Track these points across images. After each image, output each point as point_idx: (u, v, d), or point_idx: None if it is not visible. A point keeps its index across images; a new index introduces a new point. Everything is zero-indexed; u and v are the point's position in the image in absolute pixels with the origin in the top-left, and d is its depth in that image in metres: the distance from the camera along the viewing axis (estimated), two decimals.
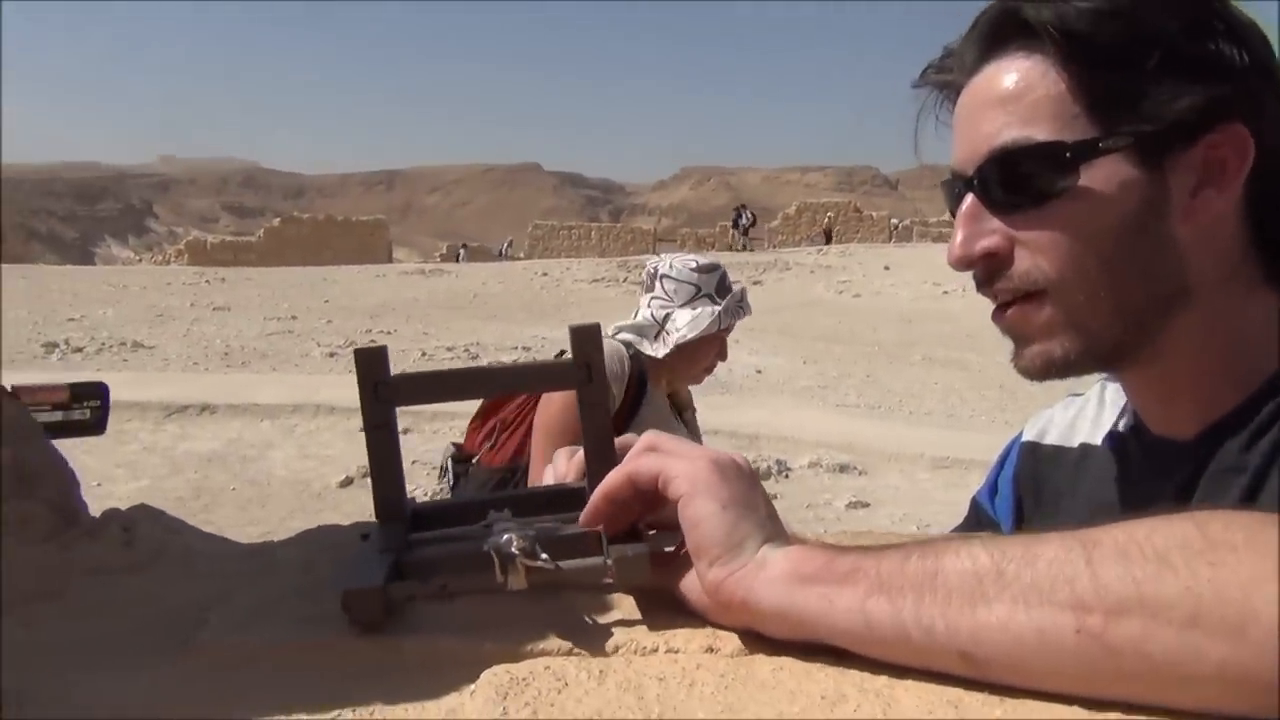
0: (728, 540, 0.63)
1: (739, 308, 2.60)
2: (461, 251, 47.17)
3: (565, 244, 47.04)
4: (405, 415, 9.22)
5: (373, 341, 16.66)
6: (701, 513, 0.64)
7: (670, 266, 2.58)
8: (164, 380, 12.40)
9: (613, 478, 0.70)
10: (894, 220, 50.28)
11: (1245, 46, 0.80)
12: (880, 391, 13.88)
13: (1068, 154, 0.81)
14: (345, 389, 11.24)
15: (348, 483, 8.36)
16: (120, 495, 7.55)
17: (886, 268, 29.85)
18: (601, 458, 0.77)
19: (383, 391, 0.76)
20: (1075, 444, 1.05)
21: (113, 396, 1.60)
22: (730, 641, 0.65)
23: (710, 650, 0.64)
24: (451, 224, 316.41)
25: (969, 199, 0.87)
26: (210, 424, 10.35)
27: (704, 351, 2.58)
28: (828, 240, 42.93)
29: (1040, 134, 0.82)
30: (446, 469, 2.61)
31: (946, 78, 0.93)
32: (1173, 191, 0.81)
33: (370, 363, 0.76)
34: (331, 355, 15.28)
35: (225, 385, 12.07)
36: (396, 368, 0.75)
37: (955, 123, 0.91)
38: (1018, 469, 1.11)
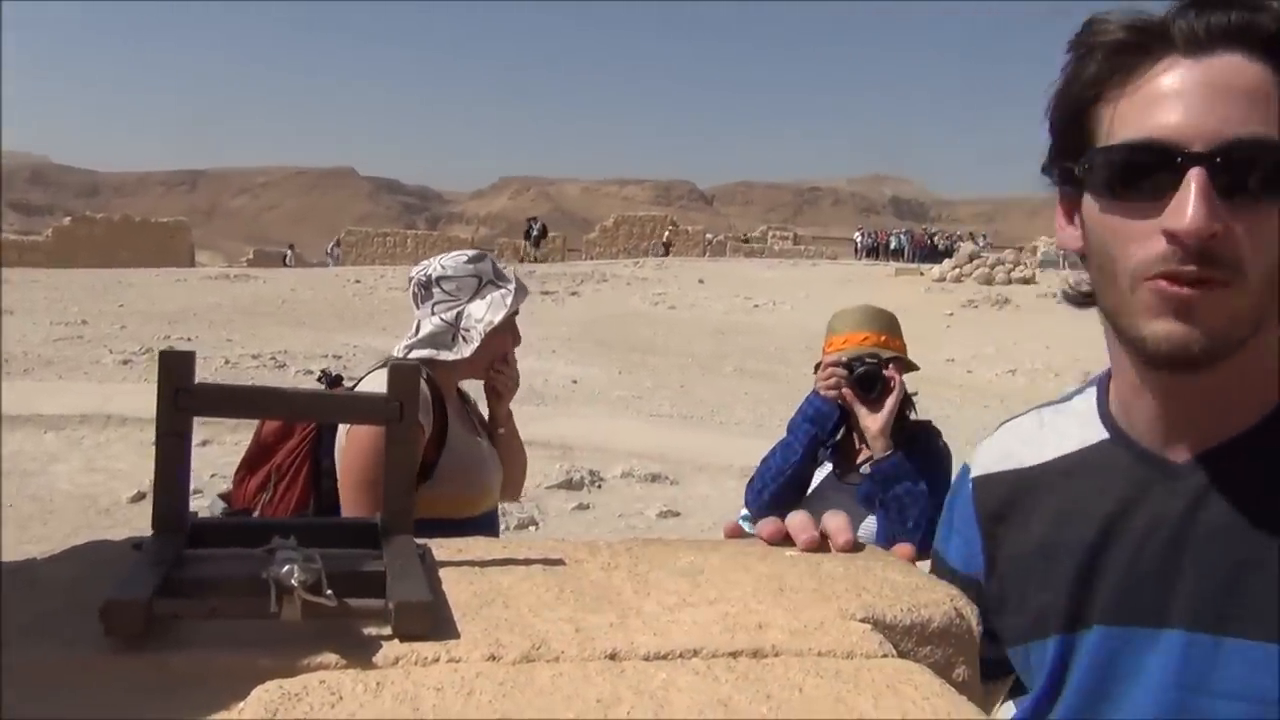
0: None
1: (524, 288, 2.58)
2: (288, 253, 45.47)
3: (380, 251, 45.93)
4: (206, 425, 8.82)
5: (172, 348, 15.81)
6: None
7: (443, 267, 2.52)
8: None
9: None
10: (708, 235, 51.39)
11: None
12: (692, 402, 14.14)
13: None
14: (139, 398, 10.65)
15: (139, 498, 7.90)
16: None
17: (701, 281, 30.47)
18: (403, 495, 0.77)
19: (183, 400, 0.73)
20: (1031, 463, 1.08)
21: None
22: (513, 649, 0.65)
23: (492, 659, 0.64)
24: (259, 228, 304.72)
25: (1202, 174, 0.84)
26: None
27: (501, 339, 2.53)
28: (666, 252, 43.68)
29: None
30: None
31: (1149, 39, 0.89)
32: None
33: (174, 367, 0.73)
34: (125, 363, 14.42)
35: (5, 394, 11.24)
36: (198, 375, 0.73)
37: (1185, 94, 0.87)
38: (976, 504, 1.12)
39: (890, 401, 2.68)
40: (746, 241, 49.54)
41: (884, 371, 2.72)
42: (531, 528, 7.77)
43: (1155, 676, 0.90)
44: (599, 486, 8.96)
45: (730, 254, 46.15)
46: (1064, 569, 0.99)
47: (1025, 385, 17.33)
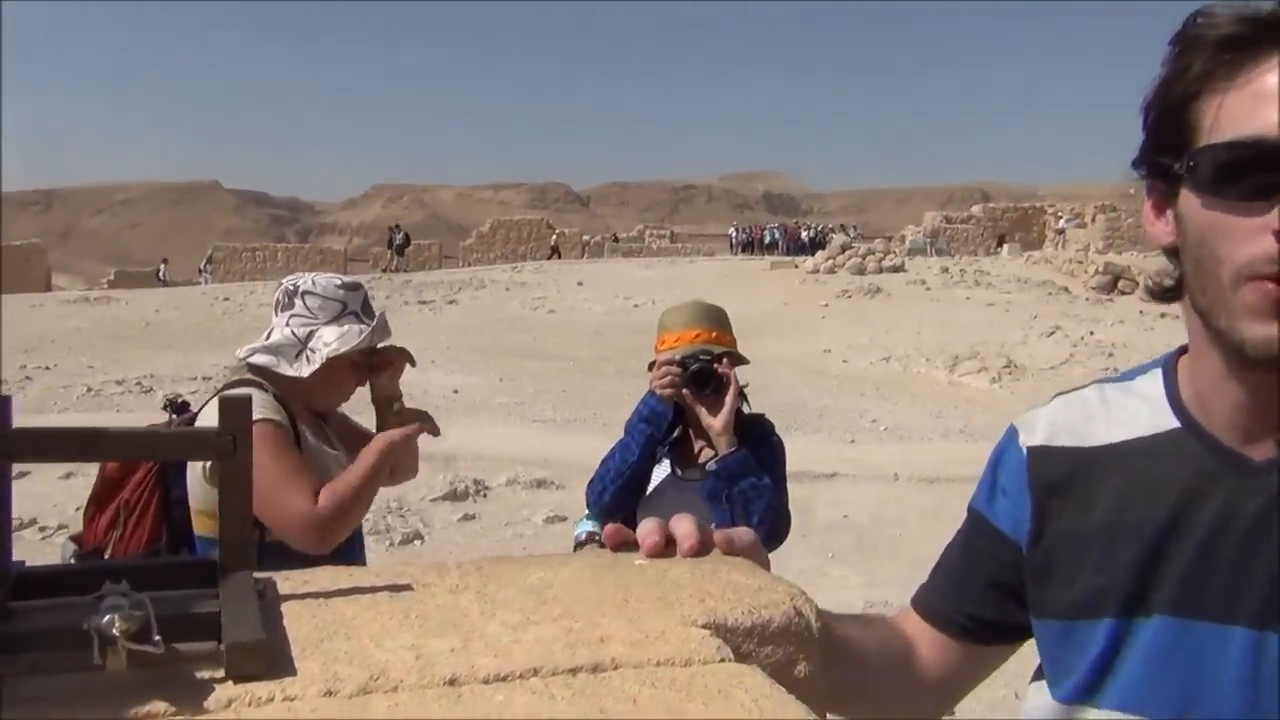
0: None
1: (385, 329, 2.54)
2: (162, 268, 43.81)
3: (249, 266, 44.65)
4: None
5: (28, 379, 15.17)
6: None
7: (314, 283, 2.48)
8: None
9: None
10: (585, 236, 51.44)
11: None
12: (575, 405, 14.15)
13: None
14: None
15: None
16: None
17: (580, 283, 30.48)
18: (240, 530, 0.76)
19: None
20: (1094, 443, 1.07)
21: None
22: (351, 682, 0.65)
23: (329, 694, 0.64)
24: (120, 247, 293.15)
25: None
26: None
27: (345, 375, 2.49)
28: (554, 255, 43.70)
29: None
30: None
31: (1263, 31, 0.89)
32: None
33: None
34: None
35: None
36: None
37: None
38: (1032, 473, 1.10)
39: (729, 398, 2.72)
40: (618, 241, 49.76)
41: (718, 367, 2.75)
42: (416, 542, 7.67)
43: (1222, 673, 0.91)
44: (484, 495, 8.91)
45: (608, 255, 46.29)
46: (1127, 553, 0.99)
47: (899, 371, 17.83)
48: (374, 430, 2.76)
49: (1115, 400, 1.09)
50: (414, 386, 15.27)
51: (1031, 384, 15.94)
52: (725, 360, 2.78)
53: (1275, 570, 0.90)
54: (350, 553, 2.45)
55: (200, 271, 43.90)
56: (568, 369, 17.63)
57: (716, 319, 2.93)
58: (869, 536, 8.02)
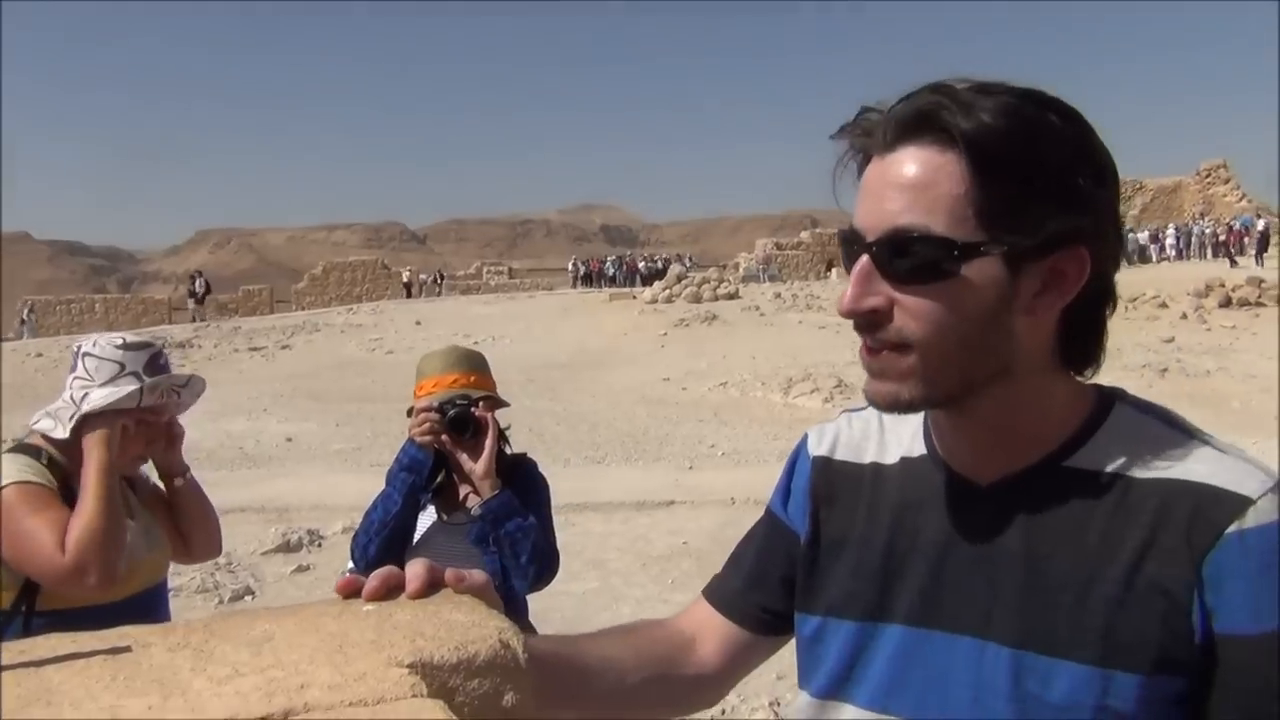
0: None
1: (172, 390, 2.46)
2: (28, 317, 40.98)
3: (65, 320, 42.43)
4: None
5: None
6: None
7: (95, 344, 2.41)
8: None
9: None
10: (423, 275, 50.88)
11: (1105, 184, 0.98)
12: None
13: (956, 251, 0.95)
14: None
15: None
16: None
17: (418, 323, 30.14)
18: None
19: None
20: (866, 461, 1.20)
21: None
22: None
23: None
24: None
25: (865, 260, 0.99)
26: None
27: (126, 436, 2.40)
28: (409, 294, 43.87)
29: (937, 227, 0.95)
30: None
31: (865, 141, 1.02)
32: (1022, 291, 0.97)
33: None
34: None
35: None
36: None
37: (864, 187, 1.01)
38: (812, 481, 1.24)
39: (488, 441, 2.74)
40: (439, 281, 49.49)
41: (474, 411, 2.77)
42: (247, 598, 7.42)
43: (952, 678, 1.02)
44: (319, 545, 8.69)
45: (447, 293, 45.89)
46: (873, 564, 1.12)
47: (737, 396, 18.23)
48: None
49: (889, 424, 1.23)
50: (245, 438, 14.87)
51: (861, 401, 16.50)
52: (481, 404, 2.80)
53: (995, 586, 1.03)
54: (147, 603, 2.37)
55: (23, 323, 41.20)
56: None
57: (474, 363, 2.94)
58: (708, 562, 8.14)
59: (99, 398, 2.34)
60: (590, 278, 50.11)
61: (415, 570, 0.97)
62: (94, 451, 2.29)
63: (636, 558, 8.18)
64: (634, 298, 32.92)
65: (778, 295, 30.98)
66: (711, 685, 1.30)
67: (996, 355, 0.99)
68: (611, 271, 50.48)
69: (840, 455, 1.23)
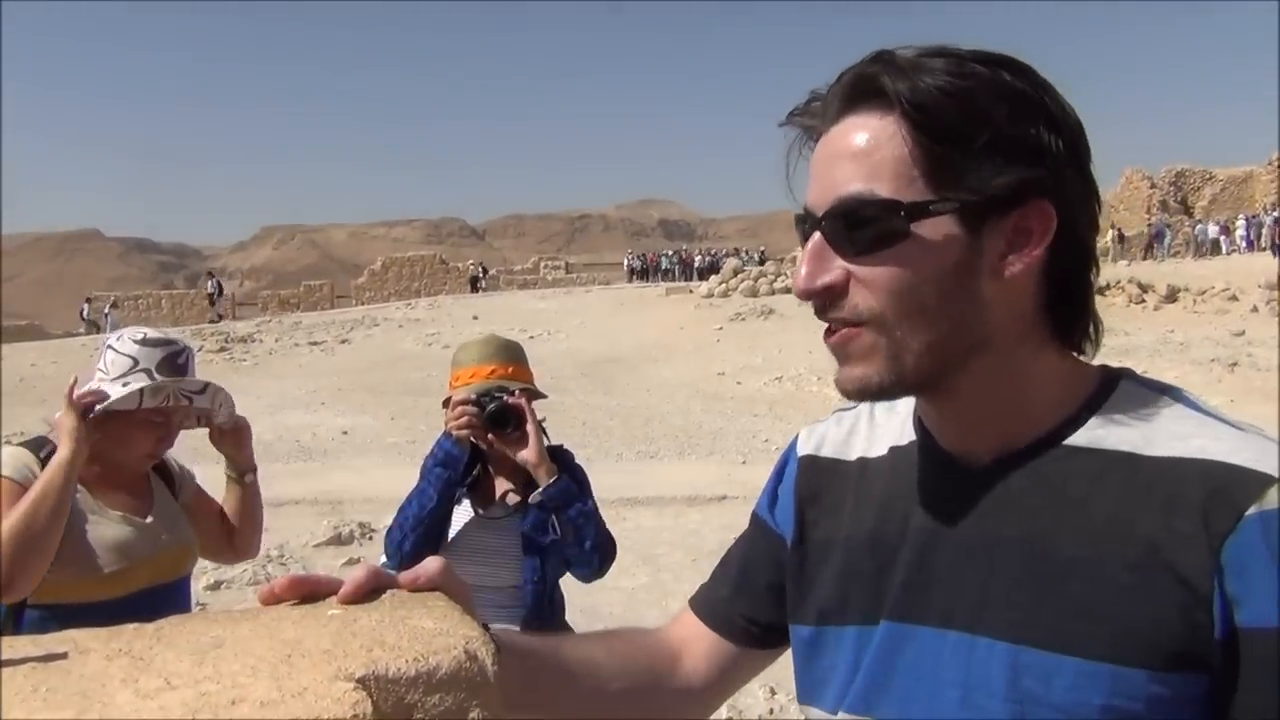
0: None
1: (182, 395, 2.38)
2: (85, 308, 42.26)
3: (133, 315, 43.34)
4: None
5: None
6: None
7: (119, 338, 2.37)
8: None
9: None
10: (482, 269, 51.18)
11: (1061, 134, 0.92)
12: None
13: (902, 212, 0.90)
14: None
15: None
16: None
17: (475, 317, 30.30)
18: None
19: None
20: (852, 457, 1.14)
21: None
22: None
23: None
24: None
25: (816, 237, 0.95)
26: None
27: (131, 435, 2.35)
28: (475, 289, 43.81)
29: (883, 190, 0.91)
30: None
31: (811, 123, 0.99)
32: (985, 253, 0.92)
33: None
34: None
35: None
36: None
37: (813, 166, 0.98)
38: (797, 481, 1.18)
39: (532, 428, 2.66)
40: (483, 275, 49.39)
41: (508, 399, 2.68)
42: None
43: (939, 675, 0.94)
44: (370, 539, 8.71)
45: (505, 287, 46.11)
46: (864, 563, 1.04)
47: (792, 391, 18.05)
48: (220, 502, 2.71)
49: (880, 418, 1.16)
50: (302, 430, 15.03)
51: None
52: (518, 393, 2.72)
53: (989, 575, 0.94)
54: (155, 601, 2.30)
55: (104, 317, 42.23)
56: None
57: (512, 353, 2.87)
58: None
59: (116, 393, 2.30)
60: (646, 272, 50.07)
61: (354, 574, 0.89)
62: (61, 446, 2.23)
63: (688, 553, 8.08)
64: (690, 292, 32.80)
65: None
66: (698, 700, 1.22)
67: (967, 325, 0.93)
68: (667, 265, 50.40)
69: (826, 453, 1.17)
